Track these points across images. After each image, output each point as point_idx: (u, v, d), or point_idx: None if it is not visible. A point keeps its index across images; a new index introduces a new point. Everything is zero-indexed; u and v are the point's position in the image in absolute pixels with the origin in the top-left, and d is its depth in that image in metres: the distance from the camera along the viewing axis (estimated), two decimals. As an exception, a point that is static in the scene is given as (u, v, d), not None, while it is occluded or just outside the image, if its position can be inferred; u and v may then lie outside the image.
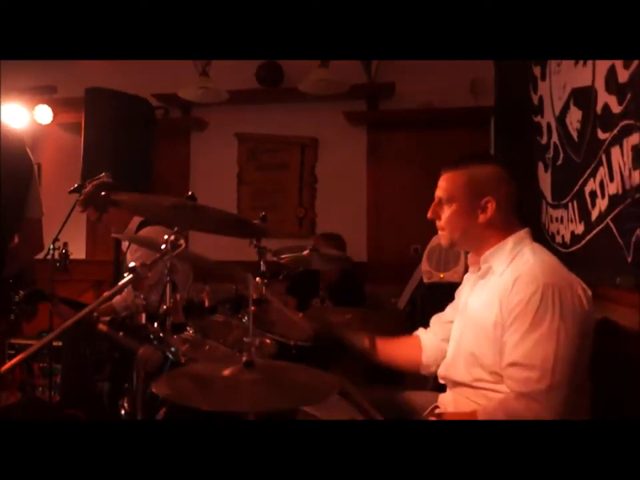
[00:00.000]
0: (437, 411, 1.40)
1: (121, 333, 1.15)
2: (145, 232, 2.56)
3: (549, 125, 2.12)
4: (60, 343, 2.88)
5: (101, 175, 2.78)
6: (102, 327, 1.20)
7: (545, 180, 2.19)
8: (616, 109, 1.42)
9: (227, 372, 0.94)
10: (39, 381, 3.16)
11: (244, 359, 0.96)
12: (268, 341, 1.54)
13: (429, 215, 1.46)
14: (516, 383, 1.20)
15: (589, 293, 1.31)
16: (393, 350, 1.67)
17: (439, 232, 1.47)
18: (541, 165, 2.23)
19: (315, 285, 2.91)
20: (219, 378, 0.93)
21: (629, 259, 1.37)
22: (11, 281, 2.14)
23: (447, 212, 1.41)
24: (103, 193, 2.54)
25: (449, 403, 1.41)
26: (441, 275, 2.61)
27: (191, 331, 1.50)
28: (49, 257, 3.14)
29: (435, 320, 1.66)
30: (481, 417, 1.22)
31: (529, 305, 1.22)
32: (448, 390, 1.47)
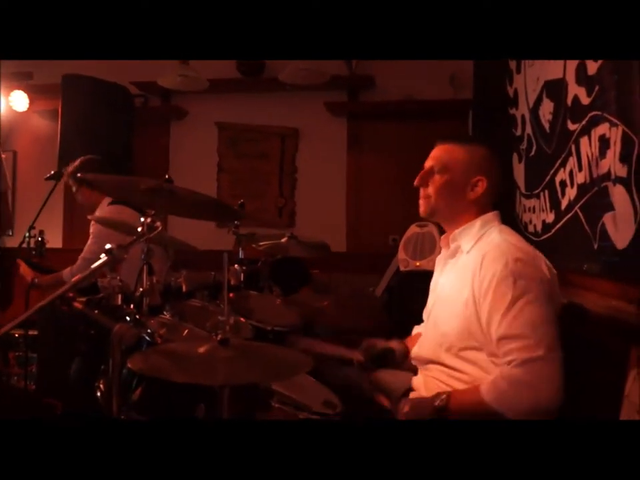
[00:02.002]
0: (439, 401, 1.26)
1: (96, 311, 1.15)
2: (107, 210, 2.58)
3: (523, 117, 2.17)
4: (36, 332, 2.84)
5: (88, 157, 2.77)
6: (78, 305, 1.20)
7: (519, 171, 2.24)
8: (585, 100, 1.47)
9: (202, 349, 0.96)
10: (14, 370, 3.12)
11: (219, 337, 0.98)
12: (242, 319, 1.55)
13: (416, 182, 1.46)
14: (515, 352, 1.19)
15: (554, 271, 1.35)
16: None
17: (421, 200, 1.48)
18: (515, 156, 2.28)
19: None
20: (194, 354, 0.95)
21: (595, 246, 1.42)
22: None
23: (437, 181, 1.43)
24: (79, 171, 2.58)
25: (420, 385, 1.44)
26: (417, 263, 2.65)
27: (168, 315, 1.51)
28: (25, 245, 3.10)
29: (424, 312, 1.69)
30: (484, 391, 1.20)
31: (502, 279, 1.25)
32: (419, 372, 1.50)
